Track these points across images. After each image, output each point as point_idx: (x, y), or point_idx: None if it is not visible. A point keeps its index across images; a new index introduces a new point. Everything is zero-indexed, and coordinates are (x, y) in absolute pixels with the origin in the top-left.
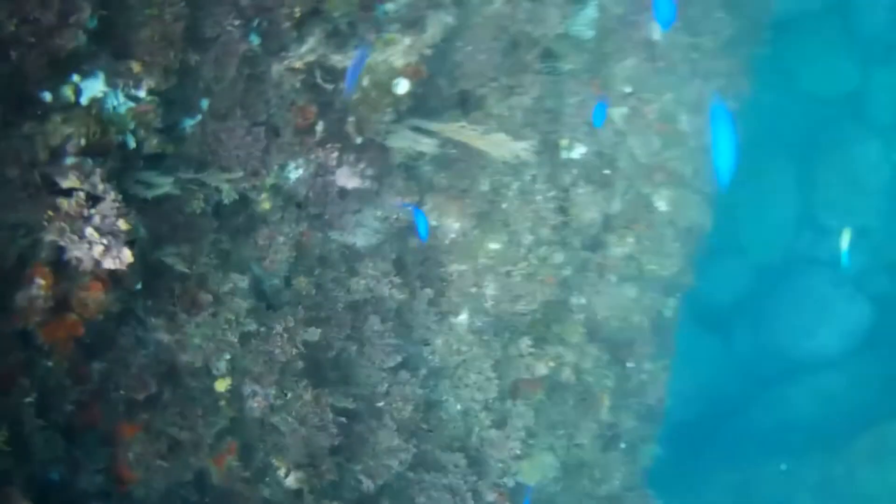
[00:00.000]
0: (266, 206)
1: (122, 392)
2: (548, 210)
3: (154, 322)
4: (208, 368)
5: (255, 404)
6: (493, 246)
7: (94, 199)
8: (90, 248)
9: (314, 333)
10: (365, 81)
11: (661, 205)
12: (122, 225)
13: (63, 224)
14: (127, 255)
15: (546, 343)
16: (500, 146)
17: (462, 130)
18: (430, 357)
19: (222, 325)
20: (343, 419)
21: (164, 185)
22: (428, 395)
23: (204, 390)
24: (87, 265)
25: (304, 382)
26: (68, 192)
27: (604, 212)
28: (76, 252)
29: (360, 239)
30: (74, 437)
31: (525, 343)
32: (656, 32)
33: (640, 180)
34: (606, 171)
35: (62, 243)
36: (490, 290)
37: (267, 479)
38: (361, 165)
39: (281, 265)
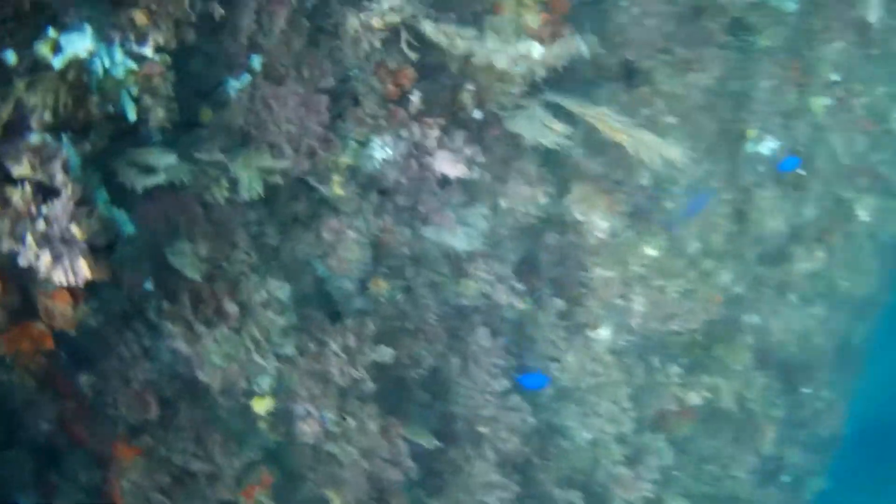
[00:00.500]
0: (337, 191)
1: (119, 410)
2: (721, 214)
3: (170, 329)
4: (247, 383)
5: (307, 428)
6: (650, 252)
7: (48, 194)
8: (37, 257)
9: (385, 354)
10: (489, 42)
11: (863, 214)
12: (77, 232)
13: (8, 223)
14: (83, 270)
15: (703, 369)
16: (649, 148)
17: (604, 119)
18: (557, 375)
19: (247, 344)
20: (433, 443)
21: (163, 170)
22: (550, 419)
23: (235, 410)
24: (43, 273)
25: (369, 409)
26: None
27: (792, 220)
28: (23, 258)
29: (461, 241)
30: (55, 458)
31: (675, 370)
32: (873, 13)
33: (839, 184)
34: (801, 172)
35: (7, 246)
36: (639, 304)
37: None
38: (470, 149)
39: (352, 265)
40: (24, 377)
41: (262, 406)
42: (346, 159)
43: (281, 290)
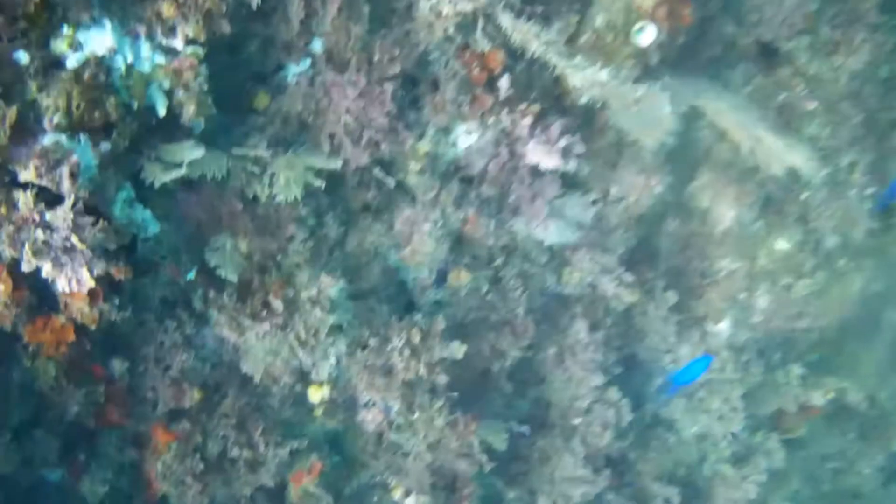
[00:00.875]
0: (413, 179)
1: (157, 395)
2: (863, 209)
3: (216, 317)
4: (303, 371)
5: (370, 417)
6: (781, 245)
7: (54, 200)
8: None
9: (457, 350)
10: (598, 19)
11: None
12: (77, 242)
13: (11, 229)
14: (86, 280)
15: (831, 369)
16: (768, 152)
17: (722, 115)
18: (669, 367)
19: (291, 342)
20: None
21: (188, 165)
22: (656, 411)
23: (287, 398)
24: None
25: (439, 403)
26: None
27: None
28: (25, 265)
29: (554, 234)
30: (84, 438)
31: (797, 370)
32: None
33: None
34: None
35: (8, 254)
36: (763, 301)
37: (375, 498)
38: (567, 139)
39: (427, 257)
40: (47, 366)
41: (317, 395)
42: (424, 147)
43: (334, 287)
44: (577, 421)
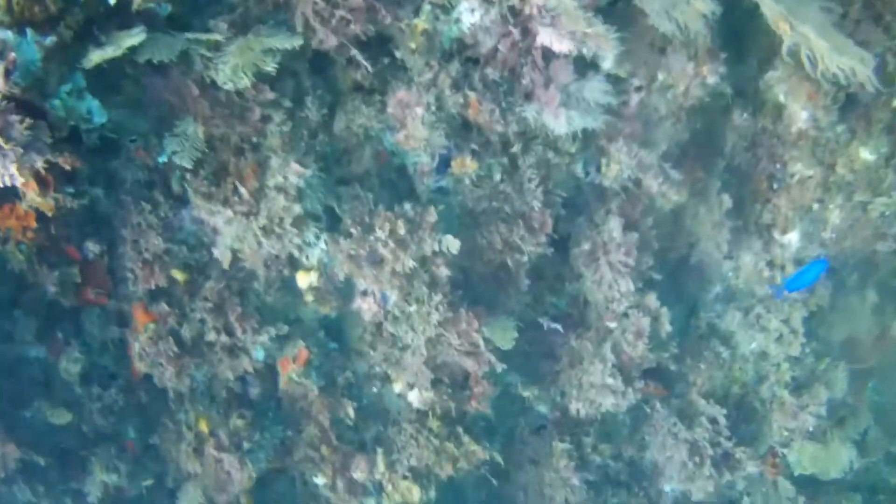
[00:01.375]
0: (410, 58)
1: (134, 276)
2: None
3: (193, 200)
4: (291, 257)
5: (366, 306)
6: (866, 155)
7: None
8: None
9: (451, 244)
10: None
11: None
12: (3, 143)
13: None
14: (17, 175)
15: None
16: (813, 49)
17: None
18: (730, 275)
19: (255, 230)
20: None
21: (122, 49)
22: (712, 321)
23: (274, 283)
24: None
25: (437, 298)
26: None
27: None
28: None
29: (574, 121)
30: (62, 317)
31: (872, 298)
32: None
33: None
34: None
35: None
36: (836, 216)
37: (374, 388)
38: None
39: (421, 143)
40: (16, 250)
41: (305, 280)
42: (422, 23)
43: (303, 174)
44: (612, 324)
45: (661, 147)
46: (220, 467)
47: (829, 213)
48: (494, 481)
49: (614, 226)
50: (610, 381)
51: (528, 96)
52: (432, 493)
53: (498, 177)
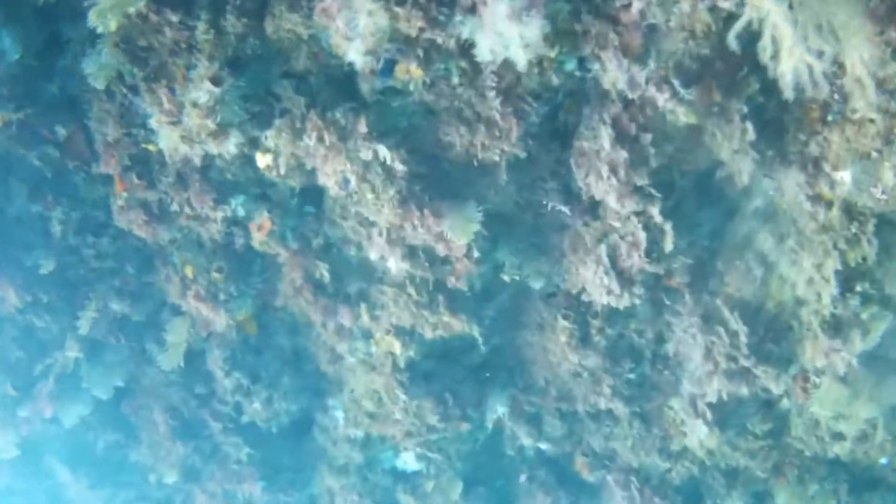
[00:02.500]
0: None
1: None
2: None
3: (143, 95)
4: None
5: (330, 183)
6: None
7: None
8: None
9: (386, 155)
10: None
11: None
12: None
13: None
14: None
15: None
16: None
17: None
18: (771, 193)
19: (181, 135)
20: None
21: None
22: (748, 231)
23: (236, 160)
24: None
25: (391, 191)
26: None
27: None
28: None
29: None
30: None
31: None
32: None
33: None
34: None
35: None
36: (891, 176)
37: (352, 252)
38: None
39: (352, 51)
40: None
41: (263, 161)
42: None
43: (217, 88)
44: (616, 224)
45: (667, 61)
46: (199, 311)
47: (884, 168)
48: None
49: (604, 134)
50: (604, 279)
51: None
52: (412, 352)
53: (456, 80)
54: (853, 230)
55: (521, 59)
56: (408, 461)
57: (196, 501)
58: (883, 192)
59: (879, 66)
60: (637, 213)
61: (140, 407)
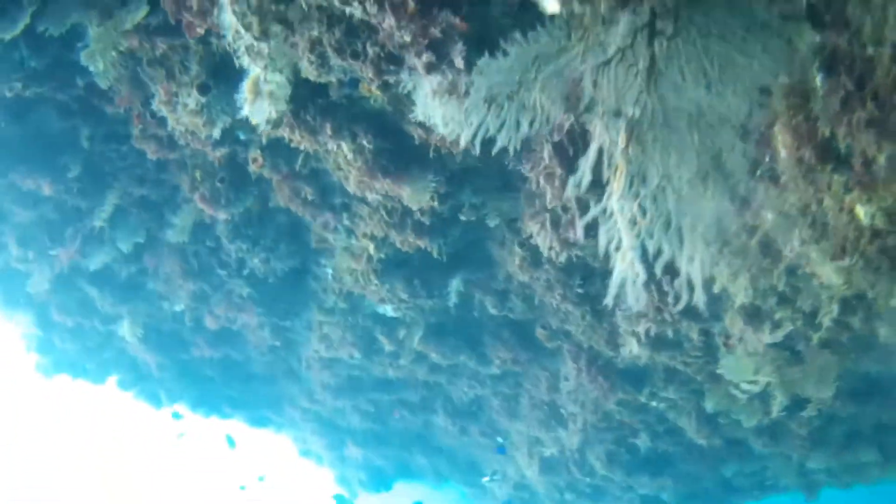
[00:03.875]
0: None
1: None
2: None
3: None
4: None
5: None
6: None
7: None
8: None
9: None
10: None
11: None
12: None
13: None
14: None
15: None
16: None
17: None
18: None
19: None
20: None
21: None
22: None
23: None
24: None
25: (358, 163)
26: None
27: None
28: None
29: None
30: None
31: None
32: None
33: None
34: None
35: None
36: None
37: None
38: None
39: None
40: None
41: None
42: None
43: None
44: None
45: None
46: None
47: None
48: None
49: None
50: (548, 240)
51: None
52: (383, 254)
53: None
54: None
55: (440, 129)
56: (387, 310)
57: (203, 320)
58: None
59: None
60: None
61: (158, 256)
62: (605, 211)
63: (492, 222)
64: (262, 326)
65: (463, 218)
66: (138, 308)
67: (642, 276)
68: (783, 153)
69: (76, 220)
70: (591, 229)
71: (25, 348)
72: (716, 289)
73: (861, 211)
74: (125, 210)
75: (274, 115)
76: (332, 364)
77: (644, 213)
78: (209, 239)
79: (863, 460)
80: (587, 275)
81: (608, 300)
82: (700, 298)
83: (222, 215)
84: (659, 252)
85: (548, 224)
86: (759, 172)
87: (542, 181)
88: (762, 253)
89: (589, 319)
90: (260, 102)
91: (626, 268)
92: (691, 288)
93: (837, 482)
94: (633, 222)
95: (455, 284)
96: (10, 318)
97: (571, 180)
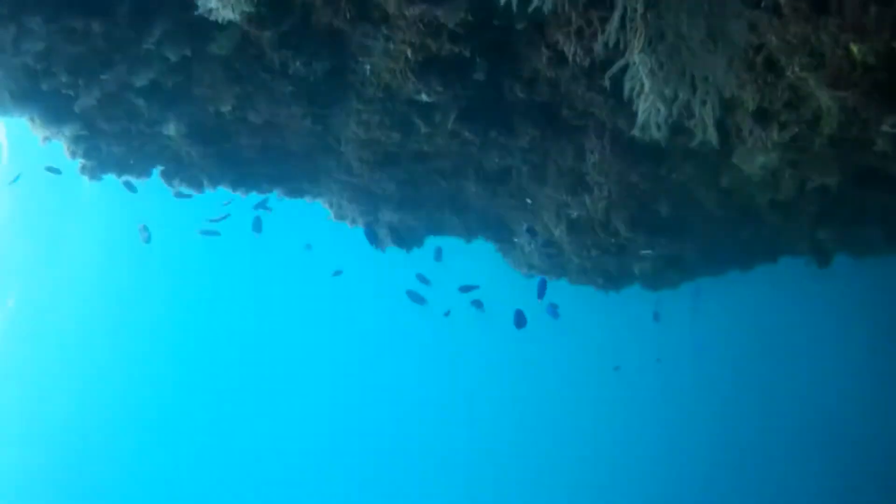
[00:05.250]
0: None
1: None
2: None
3: None
4: None
5: None
6: None
7: None
8: None
9: None
10: None
11: None
12: None
13: None
14: None
15: None
16: None
17: None
18: None
19: None
20: None
21: None
22: None
23: None
24: None
25: None
26: None
27: None
28: None
29: None
30: None
31: None
32: None
33: None
34: None
35: None
36: None
37: None
38: None
39: None
40: None
41: None
42: None
43: None
44: None
45: None
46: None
47: None
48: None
49: None
50: None
51: None
52: (420, 57)
53: None
54: None
55: None
56: (423, 97)
57: (248, 116)
58: None
59: None
60: None
61: (202, 69)
62: (627, 65)
63: (519, 25)
64: (305, 116)
65: (496, 23)
66: (184, 110)
67: (664, 112)
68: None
69: (125, 48)
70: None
71: (70, 155)
72: (726, 94)
73: (854, 48)
74: (174, 32)
75: None
76: (370, 143)
77: (661, 66)
78: (253, 49)
79: (870, 235)
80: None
81: (635, 131)
82: (713, 136)
83: (266, 34)
84: (675, 97)
85: (572, 35)
86: (762, 3)
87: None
88: (767, 68)
89: (612, 103)
90: None
91: (648, 106)
92: (704, 127)
93: (849, 252)
94: (653, 72)
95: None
96: (57, 131)
97: (600, 39)
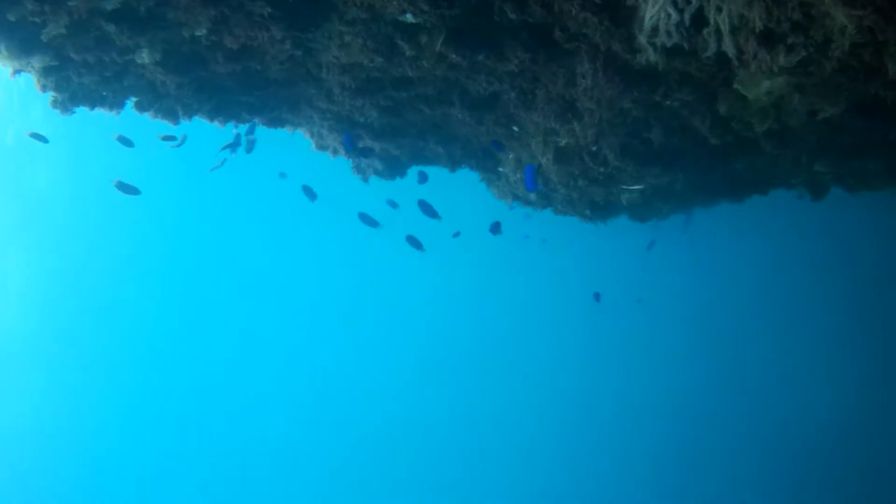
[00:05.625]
0: None
1: None
2: None
3: None
4: None
5: None
6: None
7: None
8: None
9: None
10: None
11: None
12: None
13: None
14: None
15: None
16: None
17: None
18: None
19: None
20: None
21: None
22: None
23: None
24: None
25: None
26: None
27: None
28: None
29: None
30: None
31: None
32: None
33: None
34: None
35: None
36: None
37: None
38: None
39: None
40: None
41: None
42: None
43: None
44: None
45: None
46: None
47: None
48: None
49: None
50: None
51: None
52: None
53: None
54: None
55: None
56: (408, 17)
57: (223, 41)
58: None
59: None
60: None
61: None
62: None
63: None
64: (284, 40)
65: None
66: (157, 36)
67: (675, 18)
68: None
69: None
70: None
71: (40, 88)
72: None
73: None
74: None
75: None
76: (352, 68)
77: None
78: None
79: (869, 168)
80: None
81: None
82: (729, 46)
83: None
84: (689, 1)
85: None
86: None
87: None
88: None
89: (607, 24)
90: None
91: (657, 11)
92: (720, 36)
93: (844, 185)
94: None
95: None
96: (26, 63)
97: None
